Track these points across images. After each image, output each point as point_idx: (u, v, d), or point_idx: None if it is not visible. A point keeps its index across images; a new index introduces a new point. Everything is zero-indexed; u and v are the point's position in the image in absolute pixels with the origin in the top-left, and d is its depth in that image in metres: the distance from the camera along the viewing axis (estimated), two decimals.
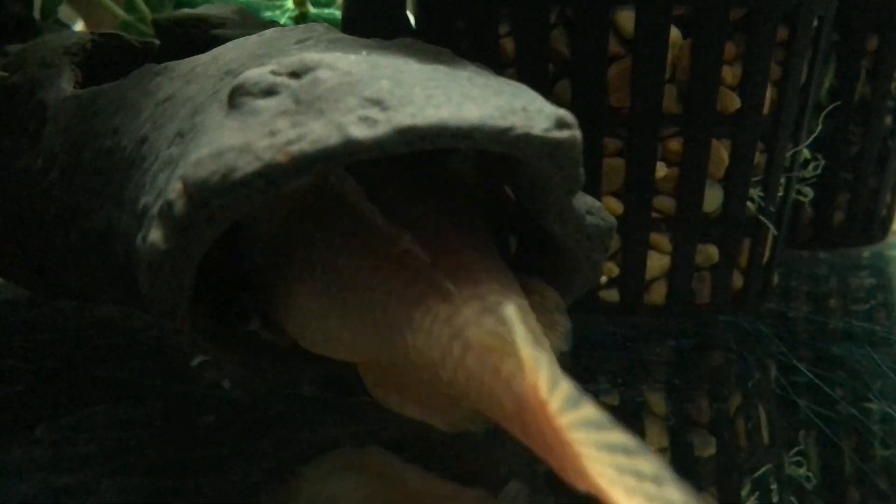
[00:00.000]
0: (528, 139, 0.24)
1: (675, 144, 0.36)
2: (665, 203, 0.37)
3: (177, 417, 0.30)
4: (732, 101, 0.36)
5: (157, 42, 0.41)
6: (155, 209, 0.25)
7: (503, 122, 0.24)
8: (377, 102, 0.24)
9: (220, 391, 0.33)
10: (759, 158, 0.38)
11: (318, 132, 0.23)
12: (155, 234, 0.25)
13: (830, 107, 0.48)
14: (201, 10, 0.41)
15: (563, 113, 0.25)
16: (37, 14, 0.45)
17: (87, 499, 0.24)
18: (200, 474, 0.26)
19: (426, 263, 0.24)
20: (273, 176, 0.23)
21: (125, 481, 0.25)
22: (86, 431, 0.29)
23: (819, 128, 0.43)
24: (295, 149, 0.23)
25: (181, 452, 0.27)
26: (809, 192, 0.49)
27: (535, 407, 0.20)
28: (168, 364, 0.35)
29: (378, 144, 0.23)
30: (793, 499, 0.25)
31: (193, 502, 0.24)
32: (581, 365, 0.34)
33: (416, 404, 0.26)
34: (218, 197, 0.23)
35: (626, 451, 0.18)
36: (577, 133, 0.25)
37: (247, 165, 0.23)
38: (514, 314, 0.20)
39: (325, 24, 0.31)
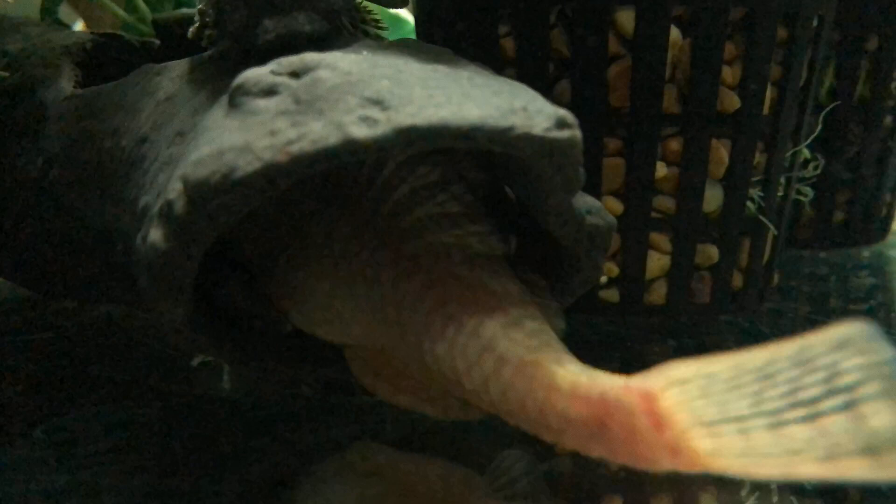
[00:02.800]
0: (528, 139, 0.24)
1: (675, 144, 0.36)
2: (665, 203, 0.37)
3: (177, 417, 0.30)
4: (732, 101, 0.36)
5: (157, 42, 0.41)
6: (155, 209, 0.25)
7: (503, 122, 0.24)
8: (377, 102, 0.24)
9: (220, 391, 0.33)
10: (759, 158, 0.38)
11: (318, 132, 0.23)
12: (155, 234, 0.25)
13: (830, 107, 0.48)
14: None
15: (563, 113, 0.25)
16: (37, 14, 0.45)
17: (87, 499, 0.24)
18: (200, 474, 0.26)
19: (443, 267, 0.25)
20: (273, 176, 0.23)
21: (125, 481, 0.25)
22: (86, 431, 0.29)
23: (819, 128, 0.43)
24: (295, 148, 0.23)
25: (181, 452, 0.27)
26: (809, 192, 0.49)
27: (630, 406, 0.20)
28: (168, 364, 0.35)
29: (378, 144, 0.23)
30: (793, 499, 0.25)
31: (193, 502, 0.24)
32: None
33: (408, 394, 0.26)
34: (218, 196, 0.23)
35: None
36: (577, 133, 0.25)
37: (247, 165, 0.23)
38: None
39: None
